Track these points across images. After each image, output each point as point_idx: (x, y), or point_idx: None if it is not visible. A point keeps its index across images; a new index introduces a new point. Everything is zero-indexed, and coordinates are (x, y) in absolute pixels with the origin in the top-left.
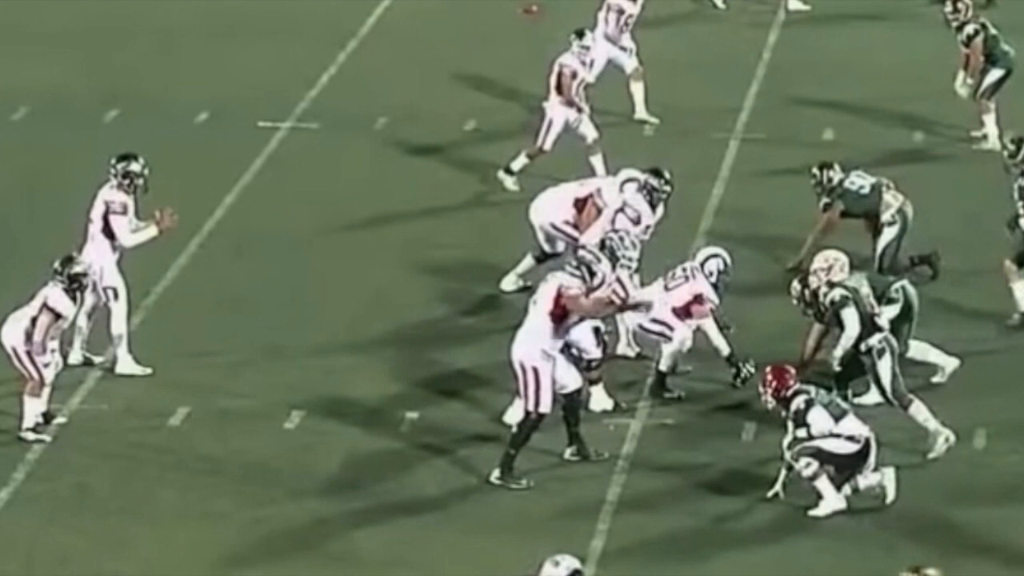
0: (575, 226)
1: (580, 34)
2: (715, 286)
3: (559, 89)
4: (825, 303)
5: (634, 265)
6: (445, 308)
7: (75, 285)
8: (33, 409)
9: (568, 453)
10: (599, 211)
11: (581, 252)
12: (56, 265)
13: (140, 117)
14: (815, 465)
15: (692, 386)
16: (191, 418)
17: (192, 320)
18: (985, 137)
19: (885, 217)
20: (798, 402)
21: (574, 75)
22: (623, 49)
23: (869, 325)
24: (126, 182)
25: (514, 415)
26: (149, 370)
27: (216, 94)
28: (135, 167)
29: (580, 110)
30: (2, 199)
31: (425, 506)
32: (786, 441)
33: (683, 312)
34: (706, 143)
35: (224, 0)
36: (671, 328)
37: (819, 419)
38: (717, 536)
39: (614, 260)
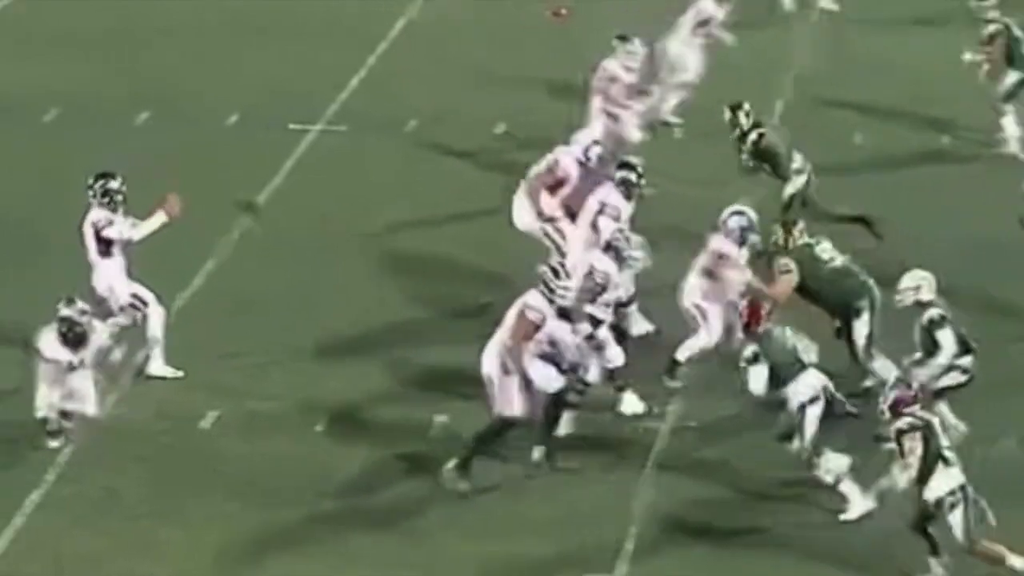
0: (558, 225)
1: (623, 38)
2: (741, 243)
3: (600, 92)
4: (922, 322)
5: (639, 265)
6: (474, 311)
7: (67, 329)
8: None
9: (536, 454)
10: (564, 181)
11: (542, 268)
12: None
13: (170, 119)
14: (833, 472)
15: (720, 388)
16: (221, 421)
17: (222, 323)
18: (1006, 140)
19: (796, 164)
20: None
21: (613, 80)
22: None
23: (961, 345)
24: (106, 200)
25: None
26: (181, 372)
27: (246, 97)
28: (114, 184)
29: (617, 116)
30: (32, 201)
31: (453, 508)
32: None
33: (714, 274)
34: (734, 145)
35: (254, 2)
36: (705, 318)
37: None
38: (746, 537)
39: (620, 261)
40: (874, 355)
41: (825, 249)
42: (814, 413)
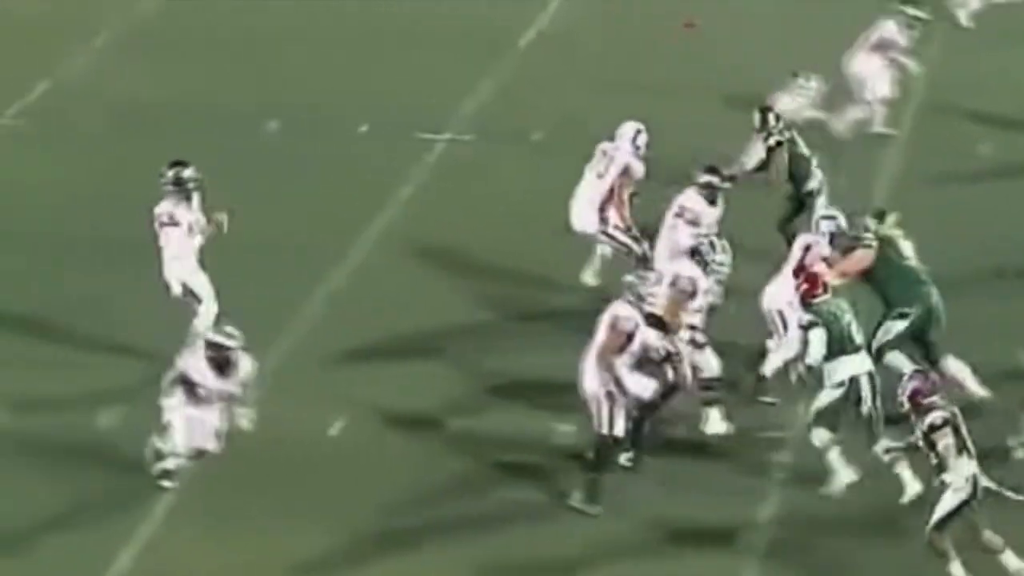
0: (620, 225)
1: (797, 75)
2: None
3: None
4: None
5: (726, 270)
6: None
7: (215, 353)
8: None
9: (624, 458)
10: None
11: (628, 277)
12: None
13: (300, 128)
14: (824, 437)
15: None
16: (349, 429)
17: (350, 330)
18: None
19: (813, 184)
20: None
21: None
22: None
23: None
24: (177, 188)
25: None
26: None
27: (376, 106)
28: (186, 172)
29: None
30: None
31: (569, 519)
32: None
33: (802, 270)
34: (863, 153)
35: (385, 11)
36: (785, 327)
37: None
38: (872, 547)
39: (704, 266)
40: (888, 353)
41: (907, 247)
42: (831, 396)
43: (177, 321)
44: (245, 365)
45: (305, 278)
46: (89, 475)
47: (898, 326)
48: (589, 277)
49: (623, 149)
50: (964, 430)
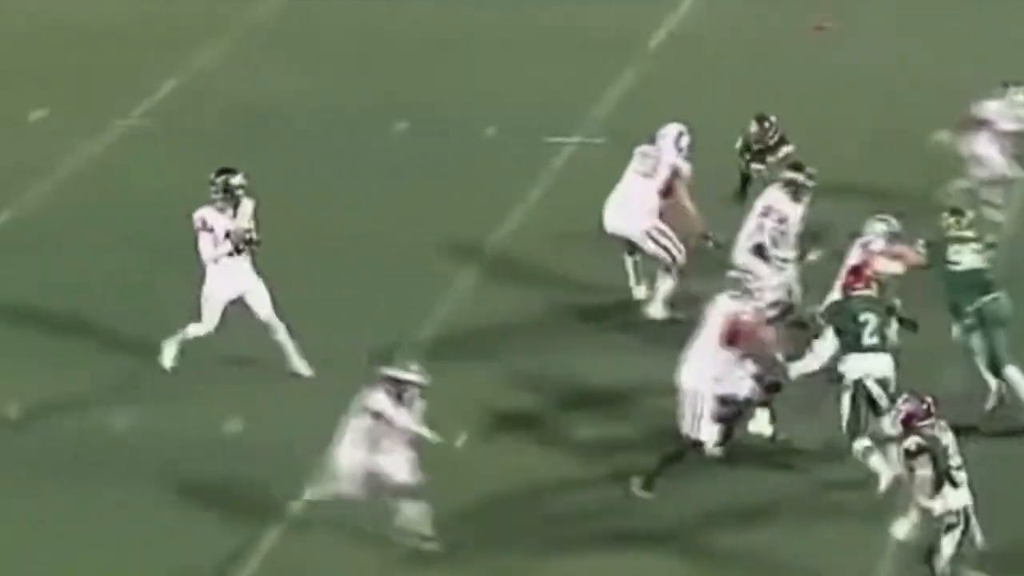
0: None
1: (1007, 84)
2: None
3: (986, 129)
4: None
5: (788, 267)
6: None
7: (391, 387)
8: None
9: (717, 452)
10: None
11: (732, 273)
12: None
13: (427, 130)
14: (861, 446)
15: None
16: (472, 439)
17: (476, 335)
18: None
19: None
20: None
21: (988, 123)
22: None
23: None
24: (225, 195)
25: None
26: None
27: (504, 107)
28: (235, 180)
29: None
30: (289, 211)
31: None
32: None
33: (856, 272)
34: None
35: (515, 15)
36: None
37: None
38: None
39: (765, 260)
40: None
41: (958, 251)
42: (846, 397)
43: (296, 329)
44: (419, 405)
45: (432, 280)
46: (211, 480)
47: (960, 333)
48: (640, 292)
49: (667, 151)
50: (954, 459)
